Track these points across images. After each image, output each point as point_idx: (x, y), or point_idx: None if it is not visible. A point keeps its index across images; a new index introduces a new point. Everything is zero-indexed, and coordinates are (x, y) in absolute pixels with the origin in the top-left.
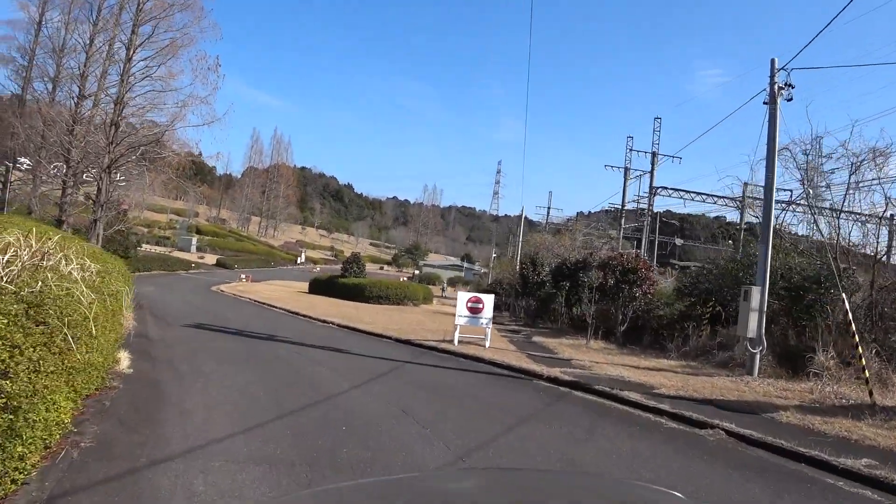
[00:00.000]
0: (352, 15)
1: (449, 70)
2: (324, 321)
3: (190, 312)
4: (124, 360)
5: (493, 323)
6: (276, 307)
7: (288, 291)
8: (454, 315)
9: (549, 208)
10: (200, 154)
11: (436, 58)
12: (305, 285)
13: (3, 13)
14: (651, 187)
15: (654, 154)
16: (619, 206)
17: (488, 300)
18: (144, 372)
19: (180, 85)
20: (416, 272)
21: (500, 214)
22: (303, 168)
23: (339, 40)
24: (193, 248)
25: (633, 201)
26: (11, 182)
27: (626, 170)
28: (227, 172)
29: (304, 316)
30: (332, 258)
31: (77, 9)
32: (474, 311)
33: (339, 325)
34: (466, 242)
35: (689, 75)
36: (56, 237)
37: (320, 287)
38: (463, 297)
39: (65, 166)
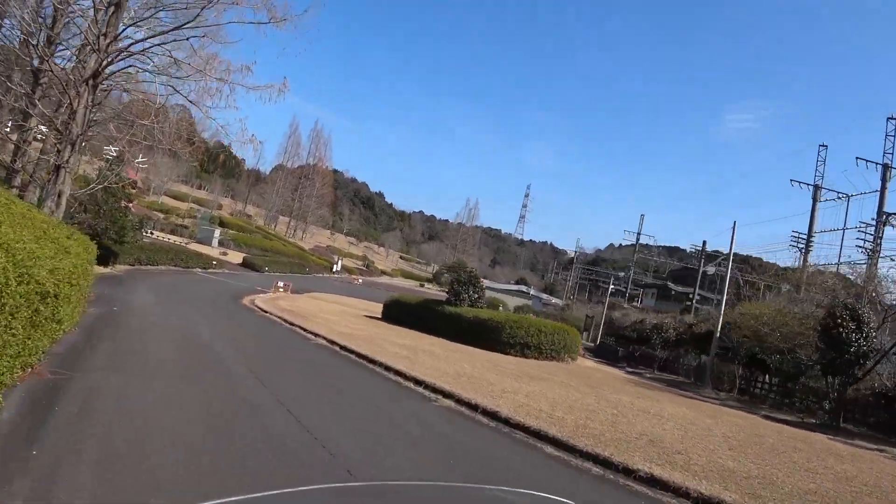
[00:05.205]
0: (395, 28)
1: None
2: (580, 453)
3: (203, 403)
4: None
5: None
6: (403, 373)
7: (356, 316)
8: None
9: (638, 233)
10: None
11: (482, 78)
12: (369, 305)
13: None
14: (880, 212)
15: (885, 167)
16: (804, 237)
17: None
18: None
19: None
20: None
21: (525, 238)
22: (335, 171)
23: (380, 51)
24: (215, 243)
25: (851, 230)
26: None
27: (817, 188)
28: (257, 167)
29: (493, 416)
30: (365, 268)
31: None
32: None
33: (648, 478)
34: (492, 265)
35: None
36: None
37: (407, 314)
38: None
39: (31, 78)
